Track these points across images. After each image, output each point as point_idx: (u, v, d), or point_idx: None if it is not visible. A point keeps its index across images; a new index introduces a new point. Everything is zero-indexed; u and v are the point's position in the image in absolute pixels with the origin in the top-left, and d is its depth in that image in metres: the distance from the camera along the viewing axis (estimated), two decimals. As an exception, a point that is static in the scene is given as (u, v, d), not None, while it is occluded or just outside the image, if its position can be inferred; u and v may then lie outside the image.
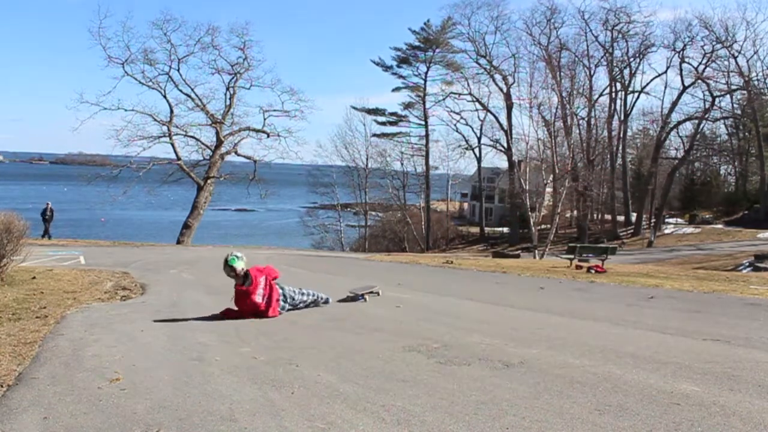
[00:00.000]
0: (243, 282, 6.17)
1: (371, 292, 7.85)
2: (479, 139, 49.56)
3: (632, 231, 44.76)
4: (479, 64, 47.27)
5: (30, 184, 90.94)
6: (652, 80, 48.65)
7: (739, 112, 45.97)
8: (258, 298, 6.13)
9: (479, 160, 50.51)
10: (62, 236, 27.07)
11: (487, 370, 3.85)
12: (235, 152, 33.66)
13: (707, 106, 43.92)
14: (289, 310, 6.38)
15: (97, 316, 6.10)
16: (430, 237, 47.93)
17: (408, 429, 2.81)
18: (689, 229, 42.92)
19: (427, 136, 50.17)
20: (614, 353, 4.32)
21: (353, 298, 7.54)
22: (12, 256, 8.46)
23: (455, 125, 49.62)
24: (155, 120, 31.33)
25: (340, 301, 7.43)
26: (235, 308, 6.19)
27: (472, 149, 50.15)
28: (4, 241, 8.18)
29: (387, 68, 52.33)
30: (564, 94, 39.81)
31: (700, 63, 42.70)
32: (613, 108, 46.63)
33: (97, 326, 5.52)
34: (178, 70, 32.01)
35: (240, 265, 6.21)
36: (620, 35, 45.03)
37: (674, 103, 44.71)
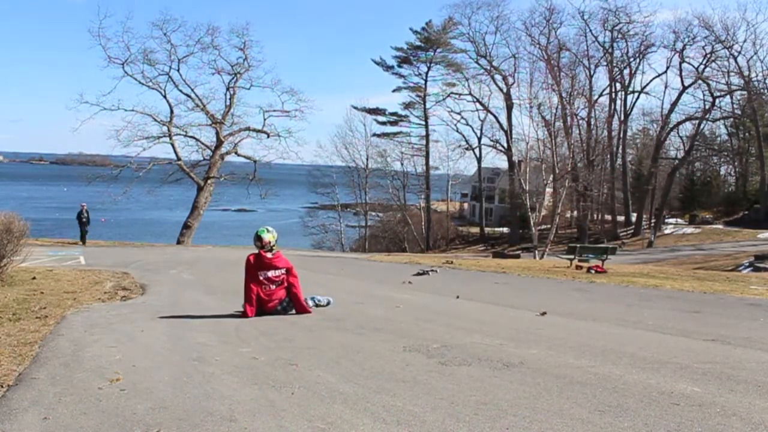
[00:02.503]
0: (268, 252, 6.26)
1: (432, 270, 12.82)
2: (479, 139, 49.60)
3: (632, 231, 44.77)
4: (479, 64, 47.37)
5: (30, 184, 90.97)
6: (652, 80, 48.77)
7: (739, 112, 45.98)
8: (280, 268, 6.24)
9: (479, 160, 50.54)
10: (62, 236, 27.09)
11: (487, 370, 3.85)
12: (236, 152, 33.66)
13: (707, 107, 43.98)
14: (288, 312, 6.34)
15: (97, 317, 6.10)
16: (430, 237, 47.96)
17: (408, 429, 2.81)
18: (689, 230, 42.93)
19: (427, 136, 50.22)
20: (614, 353, 4.32)
21: (422, 273, 12.29)
22: (12, 257, 8.47)
23: (455, 125, 49.71)
24: (155, 120, 31.35)
25: (414, 275, 11.91)
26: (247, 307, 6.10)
27: (472, 149, 50.19)
28: (5, 241, 8.18)
29: (388, 68, 52.41)
30: (564, 94, 39.79)
31: (700, 63, 42.77)
32: (613, 108, 46.69)
33: (97, 326, 5.52)
34: (178, 71, 32.03)
35: (268, 238, 6.28)
36: (620, 35, 45.07)
37: (674, 103, 44.78)
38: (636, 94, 46.84)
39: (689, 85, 43.68)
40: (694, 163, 51.94)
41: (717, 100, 43.75)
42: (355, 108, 50.72)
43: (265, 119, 33.42)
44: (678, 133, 48.00)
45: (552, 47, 44.50)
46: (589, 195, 41.22)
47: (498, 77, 46.00)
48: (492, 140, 48.17)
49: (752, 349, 4.52)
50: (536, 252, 32.86)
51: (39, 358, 4.24)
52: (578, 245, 20.54)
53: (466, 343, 4.73)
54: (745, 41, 43.70)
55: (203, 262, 15.00)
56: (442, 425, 2.84)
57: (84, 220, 24.38)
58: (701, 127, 46.64)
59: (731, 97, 45.44)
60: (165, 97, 31.94)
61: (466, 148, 50.16)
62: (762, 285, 10.48)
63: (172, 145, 31.69)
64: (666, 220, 46.37)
